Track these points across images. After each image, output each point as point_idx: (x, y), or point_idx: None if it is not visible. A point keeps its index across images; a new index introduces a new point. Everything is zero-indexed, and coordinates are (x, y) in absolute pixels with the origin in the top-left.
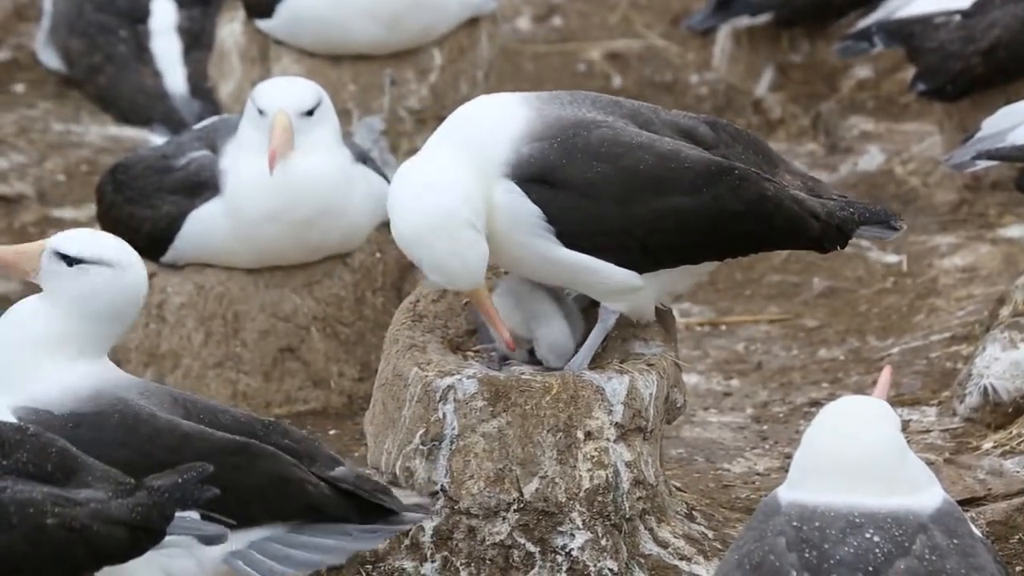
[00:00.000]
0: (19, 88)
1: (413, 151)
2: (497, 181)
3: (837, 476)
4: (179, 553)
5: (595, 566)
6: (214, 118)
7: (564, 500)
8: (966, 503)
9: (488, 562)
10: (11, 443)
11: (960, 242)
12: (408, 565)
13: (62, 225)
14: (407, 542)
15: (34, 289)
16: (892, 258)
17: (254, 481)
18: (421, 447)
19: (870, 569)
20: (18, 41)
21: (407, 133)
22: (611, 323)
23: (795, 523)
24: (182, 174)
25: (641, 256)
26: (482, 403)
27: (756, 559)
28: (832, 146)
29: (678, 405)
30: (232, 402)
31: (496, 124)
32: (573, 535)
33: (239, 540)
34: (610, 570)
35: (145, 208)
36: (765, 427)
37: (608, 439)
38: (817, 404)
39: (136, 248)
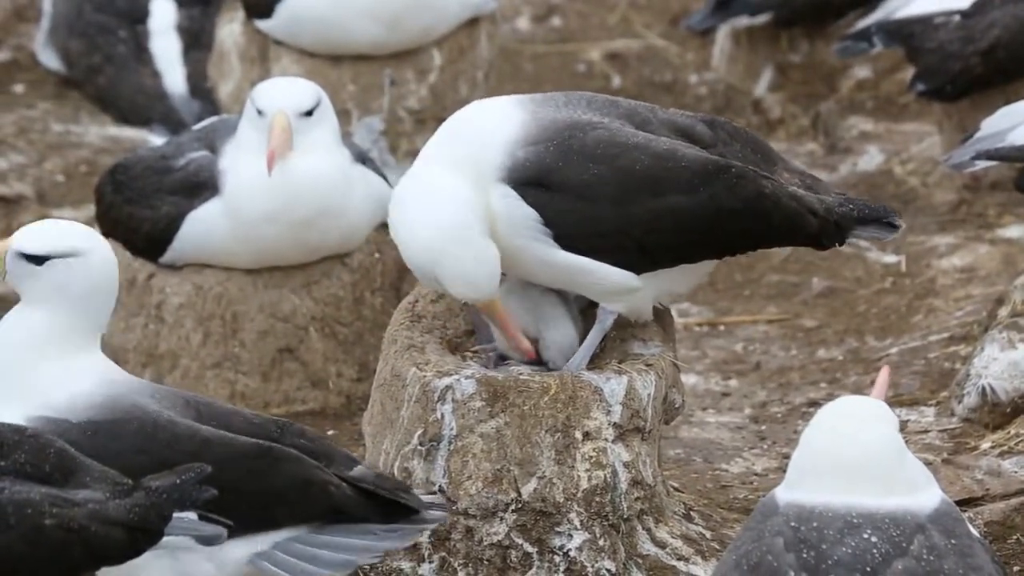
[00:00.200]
0: (19, 88)
1: (413, 152)
2: (493, 186)
3: (835, 476)
4: (197, 557)
5: (593, 566)
6: (213, 118)
7: (562, 500)
8: (964, 503)
9: (486, 562)
10: (9, 444)
11: (959, 242)
12: (406, 566)
13: None
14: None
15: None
16: (891, 258)
17: (277, 484)
18: (419, 447)
19: (868, 569)
20: (18, 42)
21: (406, 133)
22: (609, 323)
23: (793, 523)
24: (181, 174)
25: (638, 257)
26: (480, 403)
27: (754, 559)
28: (831, 146)
29: (676, 405)
30: (231, 403)
31: (490, 129)
32: (571, 535)
33: (263, 542)
34: (608, 570)
35: (144, 208)
36: (763, 427)
37: (606, 439)
38: (815, 404)
39: (135, 248)
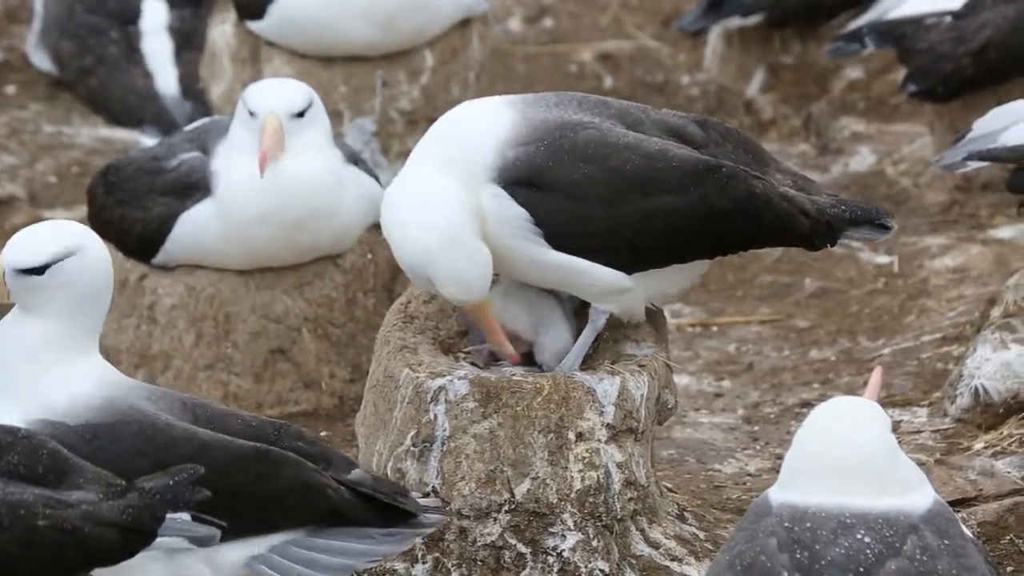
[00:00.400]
0: (10, 90)
1: (404, 153)
2: (484, 186)
3: (828, 477)
4: (193, 559)
5: (586, 567)
6: (205, 119)
7: (555, 501)
8: (957, 504)
9: (479, 563)
10: (2, 445)
11: (951, 243)
12: (400, 567)
13: None
14: None
15: None
16: (883, 259)
17: (276, 487)
18: (412, 448)
19: (861, 570)
20: (9, 43)
21: (398, 134)
22: (601, 323)
23: (786, 524)
24: (173, 176)
25: (629, 257)
26: (473, 404)
27: (747, 560)
28: (823, 147)
29: (669, 406)
30: (223, 404)
31: (480, 130)
32: (564, 536)
33: (260, 545)
34: (601, 571)
35: (136, 210)
36: (756, 428)
37: (599, 440)
38: (808, 405)
39: (127, 250)
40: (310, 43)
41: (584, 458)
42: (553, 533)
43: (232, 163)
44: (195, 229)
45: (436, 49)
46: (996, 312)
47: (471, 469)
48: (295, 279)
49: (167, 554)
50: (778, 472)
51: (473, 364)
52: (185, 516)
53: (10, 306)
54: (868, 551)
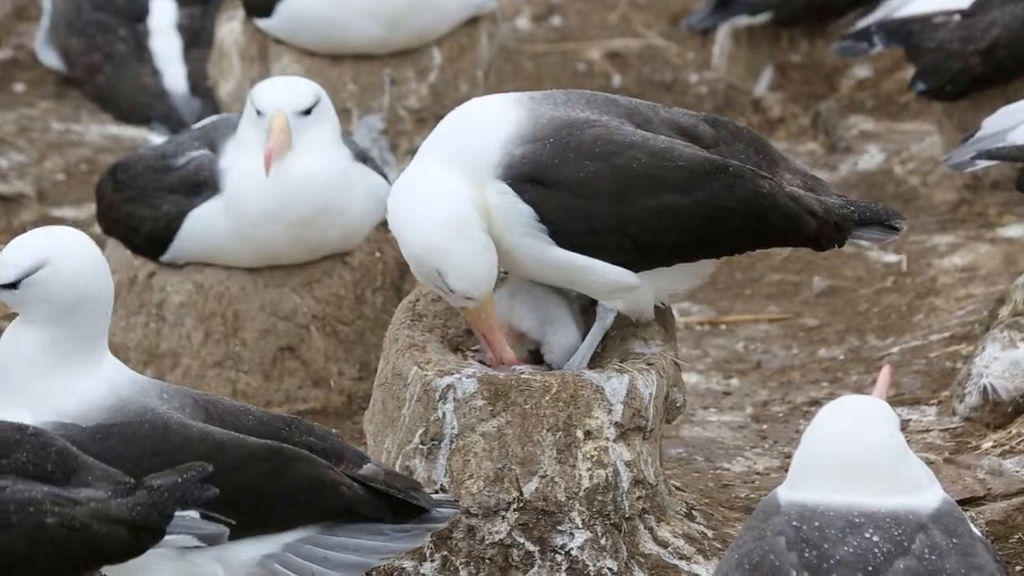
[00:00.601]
0: (19, 87)
1: (413, 150)
2: (490, 183)
3: (836, 476)
4: (206, 558)
5: (594, 565)
6: (214, 117)
7: (564, 499)
8: (965, 503)
9: (487, 561)
10: (11, 442)
11: (960, 242)
12: (408, 564)
13: (61, 224)
14: None
15: None
16: (892, 258)
17: (289, 485)
18: (421, 446)
19: (870, 569)
20: (18, 40)
21: (407, 132)
22: (609, 321)
23: (795, 523)
24: (182, 173)
25: (636, 255)
26: (481, 402)
27: (756, 558)
28: (831, 146)
29: (678, 404)
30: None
31: (487, 127)
32: (573, 534)
33: (273, 543)
34: (609, 569)
35: (145, 207)
36: (764, 426)
37: (608, 438)
38: (817, 403)
39: (136, 247)
40: (318, 41)
41: (592, 456)
42: (561, 531)
43: (240, 161)
44: (204, 227)
45: (444, 47)
46: (1005, 311)
47: (479, 467)
48: (304, 277)
49: (179, 553)
50: (786, 471)
51: (481, 362)
52: (194, 514)
53: (14, 314)
54: (876, 550)
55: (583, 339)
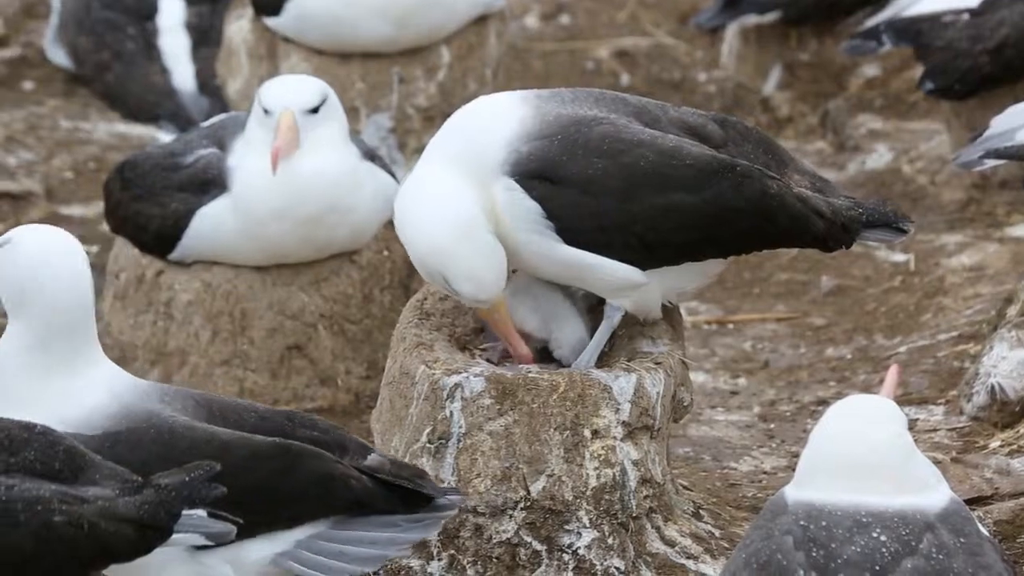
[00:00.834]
0: (28, 85)
1: (421, 149)
2: (498, 180)
3: (844, 475)
4: (215, 560)
5: (602, 564)
6: (222, 115)
7: (571, 498)
8: (973, 502)
9: (495, 560)
10: (19, 441)
11: (968, 241)
12: (415, 563)
13: (70, 222)
14: None
15: None
16: (899, 257)
17: (299, 482)
18: (428, 445)
19: (877, 568)
20: (27, 38)
21: (415, 131)
22: (616, 320)
23: (802, 522)
24: (190, 171)
25: (642, 253)
26: (489, 401)
27: (763, 558)
28: (840, 144)
29: (685, 404)
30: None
31: (495, 124)
32: (580, 533)
33: (284, 541)
34: (617, 569)
35: (153, 206)
36: (772, 426)
37: (615, 437)
38: (824, 403)
39: (144, 245)
40: (327, 39)
41: (600, 455)
42: (568, 531)
43: (248, 159)
44: (212, 225)
45: (453, 45)
46: (1013, 310)
47: (487, 466)
48: (311, 275)
49: (190, 554)
50: (794, 470)
51: (489, 361)
52: (201, 512)
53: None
54: (884, 549)
55: (590, 333)
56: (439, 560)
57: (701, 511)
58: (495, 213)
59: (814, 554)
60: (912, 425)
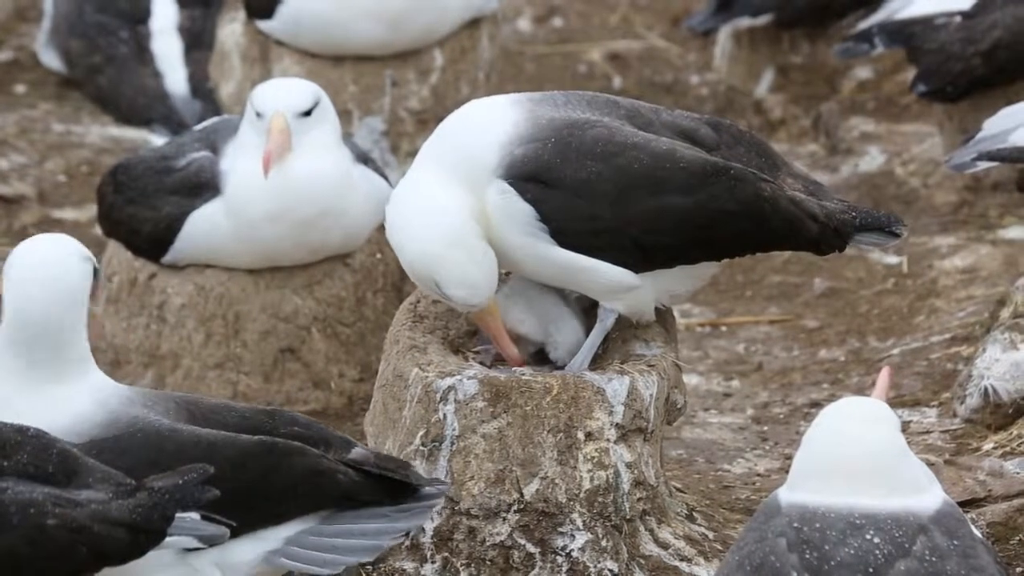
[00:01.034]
0: (20, 89)
1: (414, 152)
2: (491, 183)
3: (837, 477)
4: (203, 563)
5: (595, 567)
6: (215, 119)
7: (564, 501)
8: (966, 504)
9: (488, 563)
10: (12, 444)
11: (960, 243)
12: (408, 566)
13: (62, 226)
14: (407, 543)
15: None
16: (892, 259)
17: (287, 479)
18: (421, 448)
19: (870, 570)
20: (19, 42)
21: (408, 134)
22: (610, 323)
23: (796, 524)
24: (182, 175)
25: (636, 256)
26: (482, 404)
27: (757, 560)
28: (832, 147)
29: (678, 406)
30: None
31: (487, 127)
32: (573, 536)
33: (273, 539)
34: (610, 571)
35: (146, 209)
36: (765, 428)
37: (608, 440)
38: (817, 405)
39: (137, 249)
40: (319, 42)
41: (593, 458)
42: (562, 533)
43: (241, 163)
44: (204, 228)
45: (446, 48)
46: (1006, 312)
47: (480, 469)
48: (304, 278)
49: (179, 557)
50: (787, 472)
51: (482, 364)
52: (194, 515)
53: None
54: (877, 551)
55: (586, 333)
56: (432, 563)
57: (694, 513)
58: (488, 216)
59: (807, 556)
60: (905, 427)
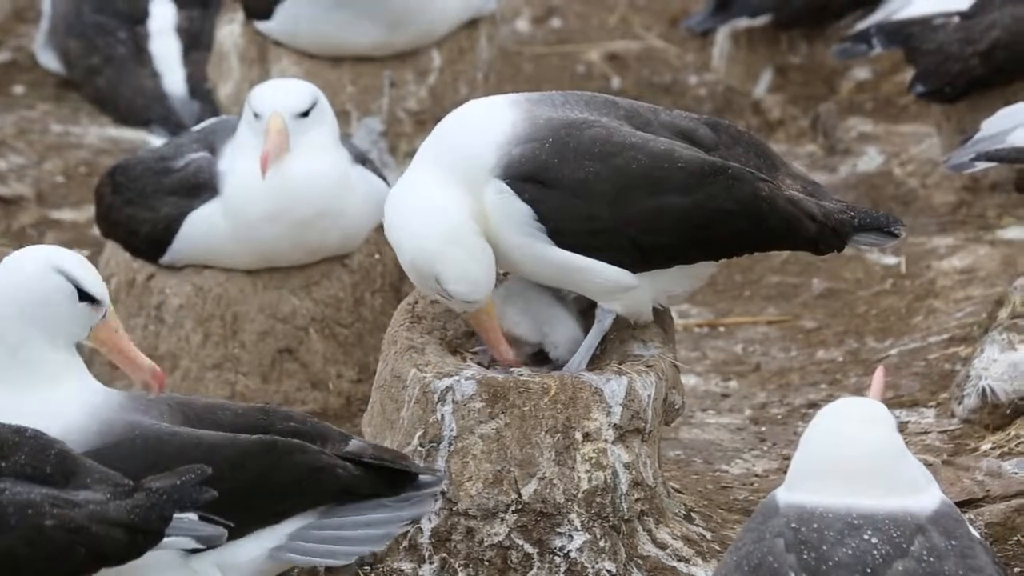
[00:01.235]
0: (18, 89)
1: (412, 153)
2: (488, 183)
3: (835, 478)
4: (204, 565)
5: (593, 567)
6: (213, 119)
7: (562, 501)
8: (964, 504)
9: (486, 563)
10: (10, 445)
11: (959, 243)
12: (407, 566)
13: (61, 226)
14: (405, 543)
15: None
16: (891, 260)
17: (288, 476)
18: (419, 448)
19: (868, 571)
20: (17, 43)
21: (406, 134)
22: (607, 323)
23: (793, 524)
24: (181, 175)
25: (634, 256)
26: (480, 404)
27: (755, 560)
28: (831, 147)
29: (676, 406)
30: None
31: (485, 127)
32: (571, 536)
33: (275, 535)
34: (608, 571)
35: (144, 210)
36: (763, 428)
37: (606, 440)
38: (815, 405)
39: (135, 249)
40: (317, 43)
41: (591, 458)
42: (560, 533)
43: (239, 163)
44: (202, 229)
45: (444, 49)
46: (1004, 313)
47: (478, 469)
48: (302, 279)
49: (181, 559)
50: (785, 473)
51: (480, 364)
52: (192, 516)
53: None
54: (875, 552)
55: (584, 333)
56: (431, 563)
57: (692, 514)
58: (486, 216)
59: (805, 556)
60: (903, 428)
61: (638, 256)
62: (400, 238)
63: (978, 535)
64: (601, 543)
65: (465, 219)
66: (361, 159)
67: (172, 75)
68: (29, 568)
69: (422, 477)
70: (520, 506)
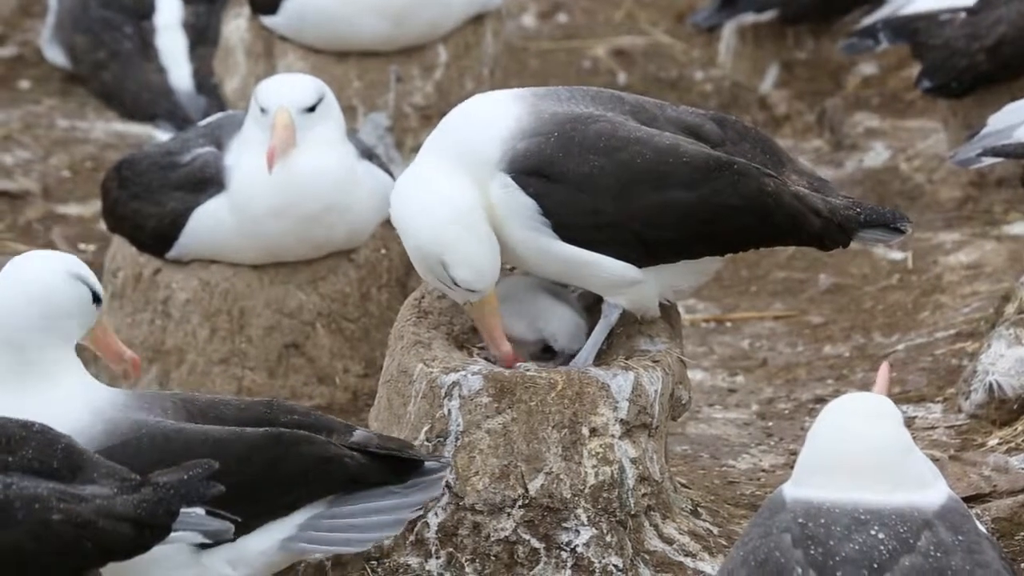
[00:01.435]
0: (24, 84)
1: (418, 147)
2: (494, 176)
3: (842, 473)
4: (214, 560)
5: (600, 562)
6: (219, 114)
7: (569, 496)
8: (971, 500)
9: (493, 558)
10: (17, 439)
11: (965, 239)
12: (413, 561)
13: (67, 221)
14: (412, 538)
15: None
16: (897, 255)
17: (297, 468)
18: (426, 443)
19: (875, 566)
20: (24, 37)
21: (412, 129)
22: (614, 318)
23: (800, 520)
24: (187, 170)
25: (639, 250)
26: (487, 399)
27: (761, 555)
28: (837, 143)
29: (683, 401)
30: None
31: (491, 122)
32: (578, 531)
33: (286, 526)
34: (615, 566)
35: (150, 204)
36: (770, 423)
37: (613, 435)
38: (822, 400)
39: (141, 244)
40: (324, 38)
41: (598, 453)
42: (567, 528)
43: (245, 158)
44: (209, 224)
45: (450, 44)
46: (1010, 308)
47: (485, 464)
48: (309, 274)
49: (192, 554)
50: (792, 468)
51: (487, 359)
52: (199, 510)
53: None
54: (882, 547)
55: (581, 316)
56: (437, 558)
57: (699, 509)
58: (491, 210)
59: (812, 552)
60: (910, 423)
61: (643, 251)
62: (408, 224)
63: (985, 530)
64: (608, 538)
65: (473, 205)
66: (367, 154)
67: (178, 70)
68: (36, 562)
69: (428, 464)
70: (527, 501)
